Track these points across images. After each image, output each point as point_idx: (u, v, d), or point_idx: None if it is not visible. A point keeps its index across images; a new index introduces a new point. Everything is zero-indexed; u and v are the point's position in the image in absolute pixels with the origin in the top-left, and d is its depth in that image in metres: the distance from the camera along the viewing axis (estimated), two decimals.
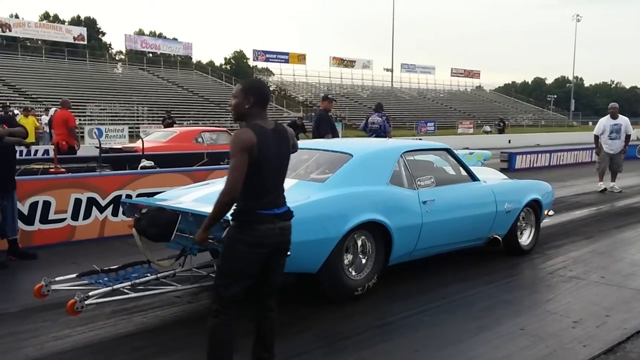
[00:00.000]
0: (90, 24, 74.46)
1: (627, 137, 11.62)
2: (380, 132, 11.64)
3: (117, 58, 70.67)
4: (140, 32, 75.61)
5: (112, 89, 44.90)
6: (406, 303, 4.77)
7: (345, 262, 4.73)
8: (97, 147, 10.47)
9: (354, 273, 4.80)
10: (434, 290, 5.09)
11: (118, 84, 47.24)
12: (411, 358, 3.79)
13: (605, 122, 11.61)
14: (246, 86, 3.15)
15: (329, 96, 10.59)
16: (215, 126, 28.58)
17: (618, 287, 5.27)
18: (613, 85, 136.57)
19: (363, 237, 4.84)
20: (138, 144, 13.01)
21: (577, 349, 3.86)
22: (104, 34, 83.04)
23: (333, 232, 4.47)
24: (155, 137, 15.81)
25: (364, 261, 4.88)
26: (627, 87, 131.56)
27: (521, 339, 4.03)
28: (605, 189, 11.52)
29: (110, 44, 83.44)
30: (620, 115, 11.62)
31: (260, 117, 3.07)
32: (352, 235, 4.71)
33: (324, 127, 9.47)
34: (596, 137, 11.73)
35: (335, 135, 9.66)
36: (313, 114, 11.98)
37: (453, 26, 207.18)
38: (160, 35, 76.04)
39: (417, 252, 5.28)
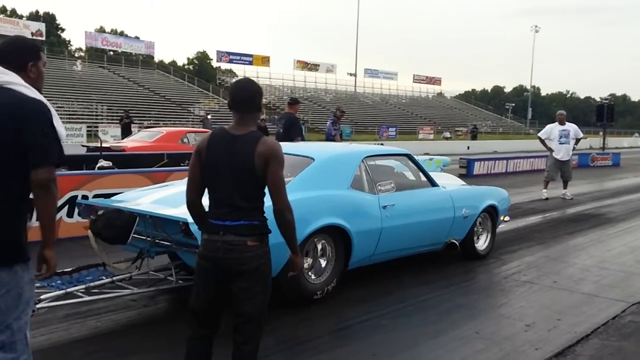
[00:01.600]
0: (49, 19, 72.79)
1: (578, 140, 11.99)
2: (328, 135, 11.71)
3: (76, 55, 69.12)
4: (101, 30, 74.22)
5: (71, 86, 43.91)
6: (364, 307, 4.80)
7: (305, 265, 4.73)
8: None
9: (313, 277, 4.81)
10: (392, 294, 5.14)
11: (77, 81, 46.21)
12: None
13: (553, 127, 11.97)
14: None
15: (297, 99, 10.56)
16: (176, 127, 28.26)
17: (569, 291, 5.42)
18: (568, 95, 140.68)
19: (323, 241, 4.86)
20: (125, 142, 12.64)
21: (530, 352, 3.95)
22: (63, 30, 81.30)
23: None
24: (141, 137, 15.59)
25: (323, 265, 4.89)
26: (582, 97, 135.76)
27: (476, 343, 4.10)
28: (547, 198, 11.79)
29: (69, 41, 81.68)
30: (567, 122, 12.00)
31: (237, 121, 2.83)
32: (312, 239, 4.72)
33: (295, 131, 9.44)
34: (541, 140, 12.06)
35: (302, 139, 9.64)
36: (277, 116, 11.97)
37: (416, 34, 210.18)
38: (121, 34, 74.82)
39: (376, 256, 5.32)
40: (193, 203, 2.91)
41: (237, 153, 2.75)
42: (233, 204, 2.75)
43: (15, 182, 2.36)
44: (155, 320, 4.48)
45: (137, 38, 64.75)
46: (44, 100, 2.45)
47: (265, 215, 2.83)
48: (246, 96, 2.83)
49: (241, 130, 2.80)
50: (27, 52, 2.59)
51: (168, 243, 4.37)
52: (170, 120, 39.08)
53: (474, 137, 42.84)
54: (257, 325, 2.86)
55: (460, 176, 13.80)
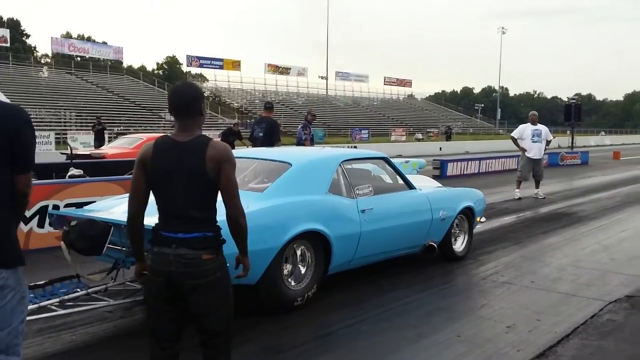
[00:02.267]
0: (13, 25, 71.15)
1: (548, 142, 12.23)
2: (299, 139, 11.72)
3: (42, 62, 67.87)
4: (68, 35, 72.95)
5: (38, 93, 43.03)
6: (345, 313, 4.76)
7: (285, 272, 4.68)
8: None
9: (293, 283, 4.76)
10: (371, 299, 5.12)
11: (44, 88, 45.31)
12: None
13: (525, 127, 12.20)
14: None
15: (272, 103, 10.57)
16: (147, 132, 27.89)
17: (547, 291, 5.47)
18: (536, 95, 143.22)
19: (302, 247, 4.81)
20: (105, 149, 12.33)
21: (512, 354, 3.96)
22: (28, 36, 79.63)
23: (272, 243, 4.42)
24: (121, 144, 15.39)
25: (303, 271, 4.84)
26: (549, 97, 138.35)
27: (458, 346, 4.09)
28: (520, 198, 11.93)
29: (35, 47, 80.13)
30: (538, 123, 12.23)
31: (180, 127, 2.70)
32: (291, 245, 4.67)
33: (276, 136, 9.43)
34: (514, 139, 12.25)
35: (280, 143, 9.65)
36: (253, 120, 11.96)
37: (385, 36, 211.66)
38: (89, 39, 73.76)
39: (356, 260, 5.30)
40: (136, 216, 2.75)
41: (186, 160, 2.62)
42: (185, 215, 2.62)
43: (8, 187, 2.32)
44: (132, 332, 4.37)
45: (104, 43, 63.83)
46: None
47: (218, 224, 2.71)
48: (185, 101, 2.70)
49: (186, 137, 2.67)
50: None
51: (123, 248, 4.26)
52: (141, 126, 38.57)
53: (448, 138, 43.48)
54: (226, 337, 2.79)
55: (434, 177, 13.87)
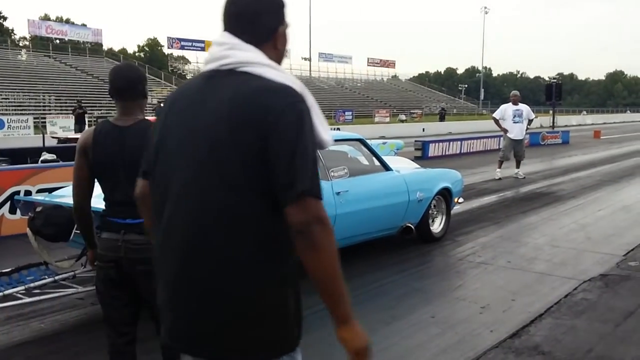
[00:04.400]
0: None
1: (530, 121, 12.24)
2: None
3: (20, 44, 66.62)
4: (46, 17, 71.60)
5: (16, 77, 42.27)
6: (318, 296, 4.71)
7: None
8: None
9: None
10: (348, 281, 5.06)
11: (22, 71, 44.52)
12: (326, 352, 3.74)
13: (506, 107, 12.16)
14: None
15: None
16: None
17: (523, 271, 5.48)
18: (519, 75, 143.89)
19: None
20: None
21: (485, 334, 3.96)
22: (5, 18, 78.01)
23: None
24: None
25: None
26: (531, 77, 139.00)
27: (432, 327, 4.09)
28: (500, 178, 11.97)
29: (12, 30, 78.63)
30: (520, 103, 12.21)
31: (121, 111, 2.61)
32: None
33: None
34: (495, 120, 12.25)
35: None
36: None
37: (369, 16, 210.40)
38: (67, 21, 72.45)
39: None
40: (81, 205, 2.69)
41: (127, 145, 2.52)
42: (131, 201, 2.45)
43: None
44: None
45: (83, 25, 62.83)
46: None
47: None
48: (126, 83, 2.60)
49: (128, 121, 2.58)
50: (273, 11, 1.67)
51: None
52: None
53: (442, 119, 43.61)
54: None
55: (416, 158, 13.89)
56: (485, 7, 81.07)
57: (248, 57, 1.54)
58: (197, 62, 65.42)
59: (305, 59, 73.58)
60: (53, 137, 17.24)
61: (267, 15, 1.61)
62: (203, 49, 63.10)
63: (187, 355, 1.60)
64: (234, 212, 1.46)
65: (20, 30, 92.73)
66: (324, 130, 1.59)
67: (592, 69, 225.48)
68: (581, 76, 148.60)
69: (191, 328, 1.54)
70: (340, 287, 1.54)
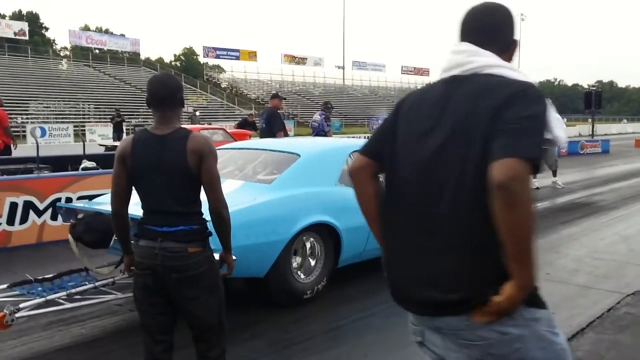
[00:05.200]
0: (32, 18, 71.99)
1: None
2: (320, 130, 11.67)
3: (61, 54, 68.48)
4: (86, 28, 73.51)
5: (57, 86, 43.45)
6: (355, 306, 4.70)
7: (294, 265, 4.63)
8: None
9: (302, 276, 4.70)
10: (382, 292, 5.00)
11: (62, 80, 45.73)
12: None
13: None
14: None
15: (279, 94, 10.47)
16: None
17: (563, 283, 5.35)
18: (556, 83, 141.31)
19: (312, 239, 4.75)
20: None
21: None
22: (47, 29, 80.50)
23: (281, 235, 4.37)
24: None
25: (313, 264, 4.78)
26: (569, 84, 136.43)
27: None
28: (538, 187, 11.72)
29: (54, 40, 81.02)
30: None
31: (159, 120, 2.63)
32: (300, 238, 4.61)
33: (276, 125, 9.35)
34: None
35: (285, 133, 9.55)
36: (261, 111, 11.91)
37: (402, 24, 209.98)
38: (106, 31, 74.18)
39: (366, 252, 5.21)
40: (118, 212, 2.72)
41: (167, 154, 2.55)
42: (168, 209, 2.57)
43: None
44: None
45: (122, 35, 64.17)
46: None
47: (204, 217, 2.66)
48: (166, 92, 2.62)
49: (166, 130, 2.60)
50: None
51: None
52: None
53: None
54: (219, 330, 2.74)
55: None
56: (522, 14, 79.88)
57: (490, 61, 1.69)
58: (232, 70, 66.29)
59: (339, 67, 73.71)
60: (101, 145, 17.59)
61: (507, 28, 1.79)
62: (238, 58, 63.87)
63: None
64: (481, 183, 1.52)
65: (62, 40, 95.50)
66: (560, 126, 1.63)
67: (632, 76, 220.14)
68: (621, 84, 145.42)
69: None
70: (529, 249, 1.52)
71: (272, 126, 9.33)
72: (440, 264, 1.63)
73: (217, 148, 2.97)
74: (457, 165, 1.58)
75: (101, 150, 15.40)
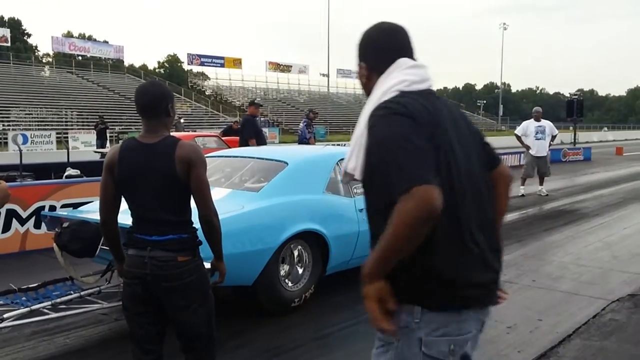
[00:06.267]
0: (14, 25, 71.34)
1: (553, 137, 12.09)
2: (302, 137, 11.71)
3: (44, 61, 67.88)
4: (69, 34, 73.01)
5: (39, 92, 43.03)
6: (343, 313, 4.69)
7: (282, 273, 4.62)
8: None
9: (290, 284, 4.69)
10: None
11: (45, 87, 45.32)
12: None
13: (529, 124, 12.02)
14: None
15: (256, 101, 10.45)
16: None
17: (549, 290, 5.39)
18: (538, 91, 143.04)
19: (299, 247, 4.74)
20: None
21: (513, 355, 3.89)
22: (29, 35, 79.82)
23: (268, 243, 4.35)
24: None
25: (300, 272, 4.77)
26: (551, 92, 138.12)
27: None
28: (524, 195, 11.83)
29: (36, 46, 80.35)
30: (542, 119, 12.08)
31: (146, 128, 2.62)
32: (288, 246, 4.60)
33: (247, 132, 9.35)
34: (518, 137, 12.11)
35: (261, 141, 9.50)
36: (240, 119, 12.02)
37: None
38: (90, 38, 73.76)
39: (355, 260, 5.21)
40: (107, 221, 2.69)
41: (155, 162, 2.53)
42: (157, 218, 2.55)
43: None
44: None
45: (105, 42, 63.93)
46: None
47: (194, 226, 2.64)
48: (150, 101, 2.59)
49: (154, 138, 2.58)
50: None
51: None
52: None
53: None
54: (208, 340, 2.72)
55: None
56: (504, 23, 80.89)
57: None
58: (216, 78, 66.14)
59: (323, 74, 73.93)
60: (96, 152, 17.39)
61: None
62: (222, 65, 63.79)
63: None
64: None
65: (44, 46, 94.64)
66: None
67: (612, 85, 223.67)
68: (602, 92, 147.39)
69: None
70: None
71: (245, 133, 9.37)
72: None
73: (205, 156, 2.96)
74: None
75: (90, 157, 15.25)
